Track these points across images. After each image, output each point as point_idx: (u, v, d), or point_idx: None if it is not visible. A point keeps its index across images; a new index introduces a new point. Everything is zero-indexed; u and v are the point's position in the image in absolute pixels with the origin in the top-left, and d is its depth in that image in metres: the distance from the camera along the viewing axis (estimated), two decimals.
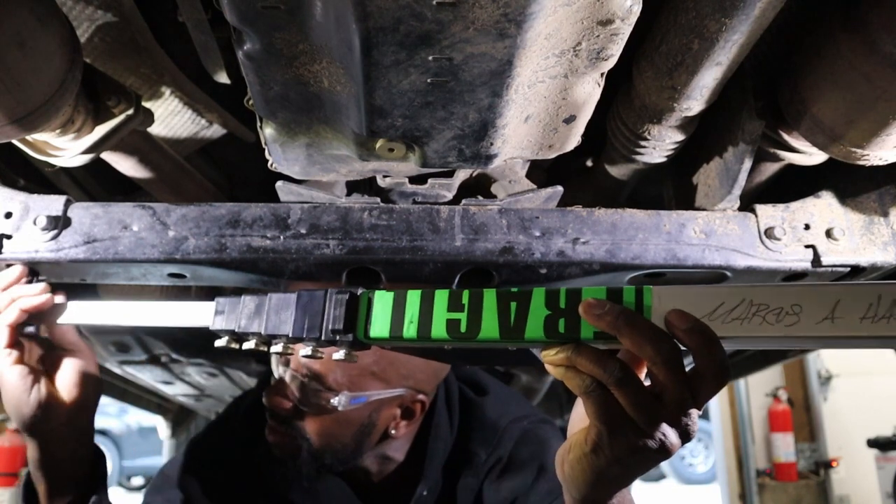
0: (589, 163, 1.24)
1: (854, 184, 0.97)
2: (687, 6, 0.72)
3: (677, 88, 0.81)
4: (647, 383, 0.71)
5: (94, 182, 1.23)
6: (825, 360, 6.01)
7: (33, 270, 0.94)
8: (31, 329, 0.97)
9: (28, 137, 0.92)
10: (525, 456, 1.39)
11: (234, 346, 0.89)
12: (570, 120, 0.77)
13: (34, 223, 0.91)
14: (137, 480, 8.10)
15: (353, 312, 0.82)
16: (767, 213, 0.94)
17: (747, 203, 0.96)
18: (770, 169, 1.01)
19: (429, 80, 0.64)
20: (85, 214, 0.92)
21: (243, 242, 0.90)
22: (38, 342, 0.99)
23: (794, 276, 0.93)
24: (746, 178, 0.92)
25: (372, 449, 1.35)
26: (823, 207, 0.95)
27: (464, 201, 0.93)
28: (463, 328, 0.75)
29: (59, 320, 0.96)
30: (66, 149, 0.93)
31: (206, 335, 0.92)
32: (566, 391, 2.79)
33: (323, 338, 0.82)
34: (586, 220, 0.92)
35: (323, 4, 0.57)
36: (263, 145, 0.82)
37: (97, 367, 1.03)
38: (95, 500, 1.03)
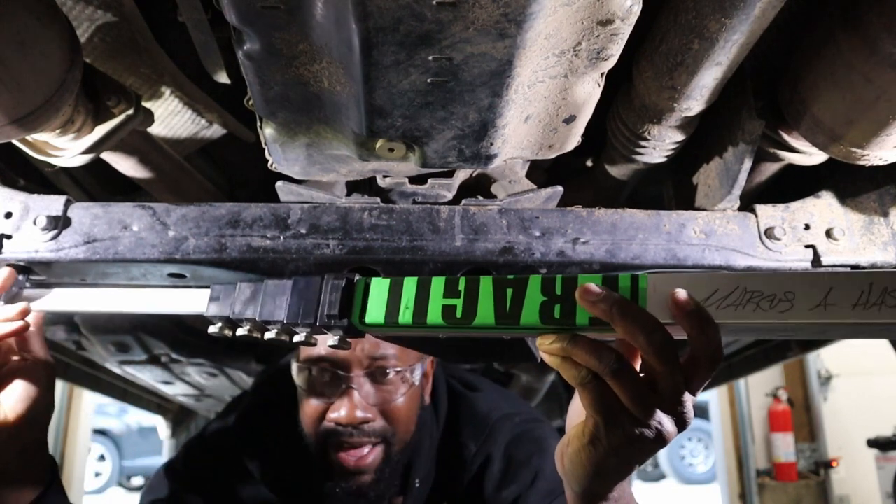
0: (589, 163, 1.24)
1: (854, 184, 0.97)
2: (687, 6, 0.72)
3: (677, 88, 0.81)
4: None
5: (94, 182, 1.23)
6: (825, 360, 6.01)
7: (26, 269, 0.91)
8: None
9: (28, 137, 0.92)
10: (522, 457, 1.40)
11: (228, 332, 0.88)
12: (570, 120, 0.77)
13: (34, 223, 0.90)
14: (137, 480, 8.13)
15: (348, 298, 0.82)
16: (767, 213, 0.94)
17: (747, 203, 0.96)
18: (770, 169, 1.01)
19: (429, 80, 0.64)
20: (85, 214, 0.92)
21: (243, 242, 0.90)
22: None
23: None
24: (746, 178, 0.92)
25: None
26: (823, 207, 0.95)
27: (464, 201, 0.93)
28: (458, 314, 0.76)
29: (57, 307, 0.92)
30: (66, 149, 0.93)
31: (206, 335, 0.92)
32: (566, 391, 2.79)
33: (318, 323, 0.82)
34: (586, 220, 0.92)
35: (323, 4, 0.57)
36: (263, 145, 0.82)
37: (53, 377, 0.94)
38: None
